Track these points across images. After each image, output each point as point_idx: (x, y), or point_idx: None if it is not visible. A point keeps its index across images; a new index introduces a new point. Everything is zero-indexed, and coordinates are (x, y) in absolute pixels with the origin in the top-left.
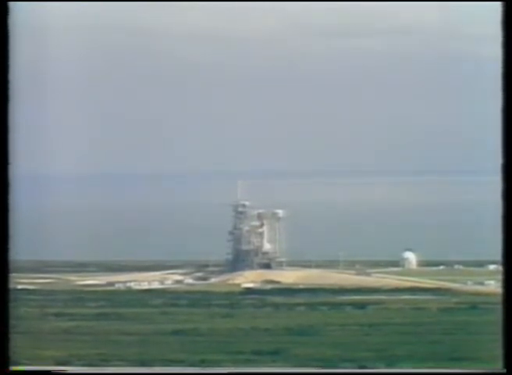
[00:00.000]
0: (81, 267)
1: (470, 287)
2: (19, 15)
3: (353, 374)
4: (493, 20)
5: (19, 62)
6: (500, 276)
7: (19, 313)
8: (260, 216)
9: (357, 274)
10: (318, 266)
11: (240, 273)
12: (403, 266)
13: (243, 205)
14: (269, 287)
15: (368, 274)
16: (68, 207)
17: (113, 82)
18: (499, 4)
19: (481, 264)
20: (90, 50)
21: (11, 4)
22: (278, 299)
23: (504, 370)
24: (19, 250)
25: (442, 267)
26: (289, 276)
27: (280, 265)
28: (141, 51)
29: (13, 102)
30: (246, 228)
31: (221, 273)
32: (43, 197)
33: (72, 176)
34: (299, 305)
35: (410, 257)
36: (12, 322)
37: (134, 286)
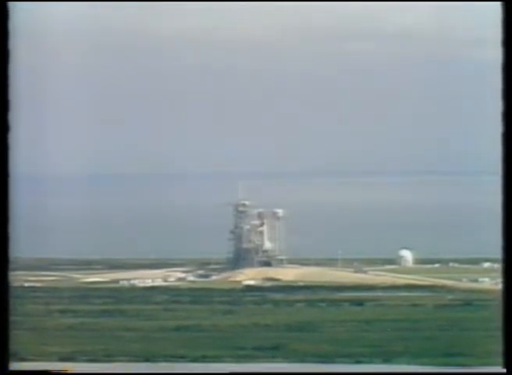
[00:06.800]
0: (86, 265)
1: (464, 284)
2: (19, 15)
3: (353, 374)
4: (492, 23)
5: (19, 63)
6: (494, 274)
7: (25, 310)
8: (260, 215)
9: (355, 272)
10: (316, 263)
11: (240, 270)
12: (399, 263)
13: (244, 205)
14: (269, 284)
15: (366, 272)
16: (71, 207)
17: (111, 82)
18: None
19: (475, 262)
20: (89, 50)
21: (11, 4)
22: (278, 296)
23: (504, 370)
24: (24, 248)
25: (437, 265)
26: (288, 274)
27: (280, 263)
28: (140, 52)
29: (13, 103)
30: (246, 227)
31: (222, 270)
32: (47, 197)
33: (72, 177)
34: (298, 301)
35: (407, 255)
36: (18, 318)
37: (138, 283)
